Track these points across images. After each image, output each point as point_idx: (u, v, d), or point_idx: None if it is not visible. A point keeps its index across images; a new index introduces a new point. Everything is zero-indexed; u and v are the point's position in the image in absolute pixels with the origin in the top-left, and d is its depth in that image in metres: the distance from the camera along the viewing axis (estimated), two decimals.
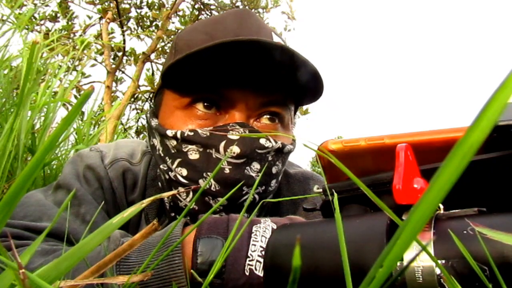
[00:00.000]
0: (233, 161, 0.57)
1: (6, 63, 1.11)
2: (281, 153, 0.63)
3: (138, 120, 3.96)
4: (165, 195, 0.31)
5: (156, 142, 0.64)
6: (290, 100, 0.65)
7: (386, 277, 0.15)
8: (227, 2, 4.50)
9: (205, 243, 0.43)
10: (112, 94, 3.81)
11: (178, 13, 4.43)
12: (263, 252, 0.41)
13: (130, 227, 0.66)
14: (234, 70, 0.59)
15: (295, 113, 0.71)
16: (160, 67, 4.43)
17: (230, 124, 0.59)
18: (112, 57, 4.02)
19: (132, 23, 4.23)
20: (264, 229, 0.44)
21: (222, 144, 0.57)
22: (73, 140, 1.40)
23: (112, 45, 3.79)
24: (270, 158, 0.61)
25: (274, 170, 0.63)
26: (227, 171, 0.57)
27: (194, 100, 0.61)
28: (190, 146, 0.59)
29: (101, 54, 3.81)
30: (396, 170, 0.33)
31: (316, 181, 0.76)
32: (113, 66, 3.81)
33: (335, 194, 0.29)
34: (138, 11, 4.31)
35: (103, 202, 0.62)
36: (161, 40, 4.07)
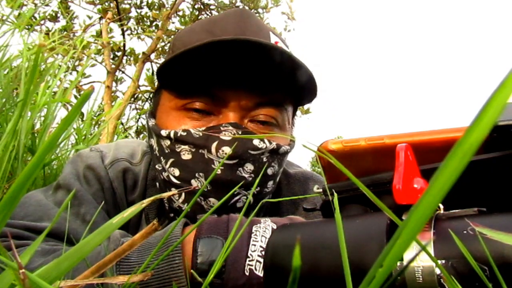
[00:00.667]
0: (226, 161, 0.57)
1: (6, 63, 1.11)
2: (277, 154, 0.63)
3: (138, 120, 3.96)
4: (165, 195, 0.31)
5: (153, 142, 0.65)
6: (287, 101, 0.65)
7: (386, 277, 0.15)
8: (227, 2, 4.50)
9: (205, 243, 0.43)
10: (112, 94, 3.81)
11: (178, 13, 4.43)
12: (263, 252, 0.41)
13: (130, 227, 0.66)
14: (227, 70, 0.59)
15: (294, 114, 0.71)
16: None
17: (223, 125, 0.59)
18: (112, 57, 4.02)
19: (132, 23, 4.23)
20: (264, 229, 0.44)
21: (214, 144, 0.57)
22: (73, 140, 1.41)
23: (112, 45, 3.80)
24: (264, 159, 0.61)
25: (269, 171, 0.62)
26: (219, 171, 0.58)
27: (189, 101, 0.62)
28: (183, 146, 0.60)
29: (101, 54, 3.81)
30: (396, 170, 0.33)
31: (316, 181, 0.76)
32: (113, 66, 3.81)
33: (335, 194, 0.29)
34: (138, 11, 4.31)
35: (103, 202, 0.62)
36: (161, 40, 4.07)
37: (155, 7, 4.35)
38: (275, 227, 0.44)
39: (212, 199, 0.59)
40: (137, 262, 0.44)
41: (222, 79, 0.60)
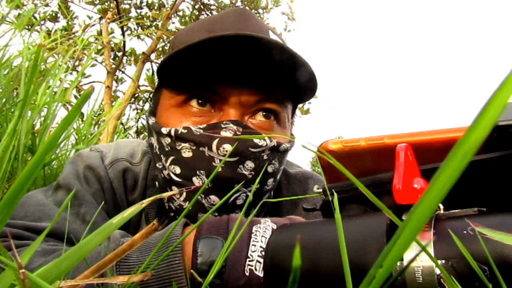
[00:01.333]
0: (227, 159, 0.57)
1: (6, 63, 1.11)
2: (277, 151, 0.63)
3: (138, 120, 3.96)
4: (165, 195, 0.31)
5: (153, 140, 0.64)
6: (287, 98, 0.65)
7: (386, 277, 0.15)
8: (227, 2, 4.50)
9: (205, 243, 0.43)
10: (112, 94, 3.81)
11: (178, 13, 4.43)
12: (263, 253, 0.41)
13: (130, 227, 0.66)
14: (227, 67, 0.59)
15: (293, 112, 0.71)
16: None
17: (224, 122, 0.59)
18: (112, 57, 4.02)
19: (132, 23, 4.23)
20: (264, 229, 0.44)
21: (215, 142, 0.57)
22: (73, 140, 1.40)
23: (112, 45, 3.80)
24: (265, 157, 0.61)
25: (270, 169, 0.62)
26: (219, 169, 0.57)
27: (189, 98, 0.61)
28: (183, 144, 0.59)
29: (101, 54, 3.81)
30: (396, 170, 0.33)
31: (316, 181, 0.76)
32: (113, 66, 3.81)
33: (335, 194, 0.29)
34: (138, 11, 4.31)
35: (103, 202, 0.62)
36: (161, 40, 4.07)
37: (155, 7, 4.35)
38: (275, 227, 0.44)
39: (212, 197, 0.59)
40: (137, 262, 0.44)
41: (223, 75, 0.60)
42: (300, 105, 0.73)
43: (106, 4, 3.86)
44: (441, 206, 0.33)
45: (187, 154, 0.59)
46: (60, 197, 0.62)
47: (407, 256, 0.29)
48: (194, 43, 0.56)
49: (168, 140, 0.61)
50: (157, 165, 0.64)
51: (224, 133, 0.57)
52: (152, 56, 4.21)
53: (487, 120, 0.12)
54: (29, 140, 1.03)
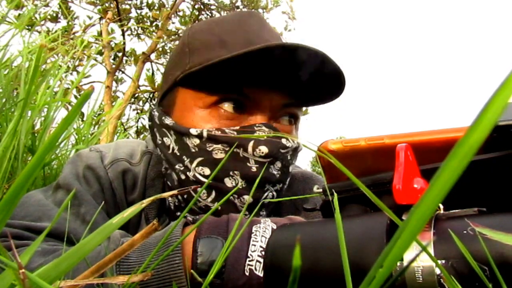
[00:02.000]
0: (260, 160, 0.59)
1: (6, 63, 1.11)
2: (296, 152, 0.65)
3: (138, 120, 3.96)
4: (165, 195, 0.31)
5: (169, 141, 0.64)
6: (303, 103, 0.67)
7: (386, 277, 0.15)
8: (227, 2, 4.50)
9: (205, 243, 0.43)
10: (112, 94, 3.81)
11: (178, 13, 4.43)
12: (263, 252, 0.41)
13: (130, 227, 0.66)
14: (261, 72, 0.60)
15: None
16: (160, 67, 4.44)
17: (257, 125, 0.60)
18: (112, 57, 4.02)
19: (132, 24, 4.23)
20: (264, 229, 0.44)
21: (251, 144, 0.58)
22: (73, 140, 1.40)
23: (112, 46, 3.80)
24: (288, 157, 0.63)
25: (290, 168, 0.65)
26: (254, 169, 0.59)
27: (220, 100, 0.61)
28: (215, 145, 0.60)
29: (101, 54, 3.81)
30: (396, 170, 0.33)
31: (316, 181, 0.76)
32: (113, 66, 3.81)
33: (335, 194, 0.29)
34: (138, 11, 4.32)
35: (103, 202, 0.62)
36: (161, 40, 4.07)
37: (155, 7, 4.35)
38: (275, 227, 0.44)
39: (245, 196, 0.60)
40: (137, 262, 0.44)
41: (254, 79, 0.60)
42: None
43: (106, 4, 3.87)
44: (441, 206, 0.33)
45: (219, 155, 0.60)
46: (60, 197, 0.62)
47: (407, 256, 0.29)
48: (236, 55, 0.56)
49: (196, 141, 0.60)
50: (176, 166, 0.63)
51: (257, 135, 0.59)
52: (152, 56, 4.21)
53: (487, 120, 0.12)
54: (29, 140, 1.03)
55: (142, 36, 4.17)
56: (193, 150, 0.61)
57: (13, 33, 1.11)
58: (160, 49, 4.29)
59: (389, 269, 0.14)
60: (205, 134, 0.60)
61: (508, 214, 0.29)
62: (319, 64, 0.59)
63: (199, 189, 0.61)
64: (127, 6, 4.12)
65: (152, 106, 0.71)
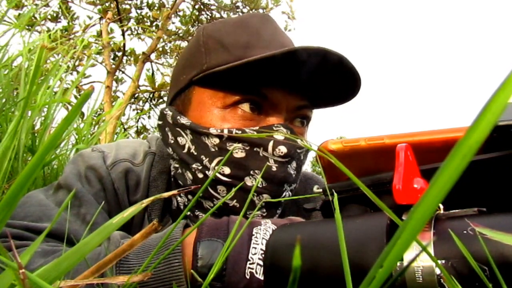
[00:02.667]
0: (279, 159, 0.60)
1: (7, 63, 1.11)
2: (307, 153, 0.67)
3: (138, 120, 3.96)
4: (165, 195, 0.31)
5: (185, 140, 0.64)
6: (314, 103, 0.68)
7: (386, 277, 0.15)
8: (227, 2, 4.50)
9: (205, 246, 0.43)
10: (112, 94, 3.81)
11: (178, 13, 4.43)
12: (263, 255, 0.41)
13: (133, 228, 0.66)
14: (279, 73, 0.61)
15: None
16: (160, 67, 4.44)
17: (275, 125, 0.61)
18: (112, 57, 4.02)
19: (132, 24, 4.24)
20: (265, 231, 0.43)
21: (271, 143, 0.60)
22: (73, 140, 1.40)
23: (112, 45, 3.80)
24: (302, 158, 0.65)
25: (302, 168, 0.67)
26: (274, 169, 0.60)
27: (239, 101, 0.62)
28: (235, 145, 0.61)
29: (101, 54, 3.81)
30: (396, 170, 0.33)
31: (317, 182, 0.78)
32: (113, 66, 3.81)
33: (335, 194, 0.29)
34: (139, 11, 4.32)
35: (103, 203, 0.62)
36: (161, 40, 4.07)
37: (155, 7, 4.35)
38: (275, 228, 0.44)
39: (265, 195, 0.61)
40: (137, 263, 0.44)
41: (273, 81, 0.62)
42: None
43: (106, 4, 3.87)
44: (441, 206, 0.33)
45: (239, 154, 0.60)
46: (61, 197, 0.62)
47: (407, 256, 0.29)
48: (268, 56, 0.57)
49: (216, 140, 0.61)
50: (194, 165, 0.63)
51: (276, 136, 0.60)
52: (152, 56, 4.21)
53: (487, 120, 0.12)
54: (29, 140, 1.03)
55: (142, 36, 4.18)
56: (213, 150, 0.62)
57: (13, 33, 1.11)
58: (160, 49, 4.29)
59: (389, 269, 0.14)
60: (226, 133, 0.60)
61: (508, 214, 0.29)
62: (337, 67, 0.60)
63: (223, 193, 0.62)
64: (127, 6, 4.12)
65: (152, 105, 0.71)
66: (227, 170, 0.61)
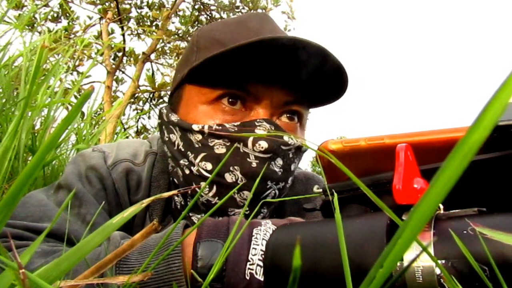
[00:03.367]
0: (260, 155, 0.59)
1: (7, 63, 1.11)
2: (299, 151, 0.65)
3: (138, 120, 3.96)
4: (165, 195, 0.31)
5: (175, 137, 0.64)
6: (308, 101, 0.67)
7: (386, 278, 0.15)
8: (226, 2, 4.50)
9: (205, 246, 0.43)
10: (112, 94, 3.81)
11: (178, 13, 4.43)
12: (263, 256, 0.41)
13: (134, 227, 0.66)
14: (262, 67, 0.60)
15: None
16: (160, 67, 4.44)
17: (257, 120, 0.60)
18: (112, 57, 4.02)
19: (132, 23, 4.24)
20: (265, 232, 0.43)
21: (251, 139, 0.59)
22: (73, 140, 1.40)
23: (112, 45, 3.80)
24: (290, 155, 0.63)
25: (292, 167, 0.64)
26: (254, 165, 0.59)
27: (221, 96, 0.62)
28: (216, 140, 0.60)
29: (101, 54, 3.81)
30: (396, 170, 0.33)
31: (318, 182, 0.77)
32: (113, 66, 3.81)
33: (335, 194, 0.29)
34: (139, 11, 4.32)
35: (103, 203, 0.62)
36: (161, 40, 4.07)
37: (155, 7, 4.35)
38: (275, 229, 0.44)
39: (246, 192, 0.59)
40: (137, 263, 0.44)
41: (257, 75, 0.61)
42: None
43: (107, 4, 3.87)
44: (441, 206, 0.33)
45: (220, 150, 0.60)
46: (61, 197, 0.62)
47: (408, 256, 0.29)
48: (237, 46, 0.56)
49: (199, 136, 0.61)
50: (181, 161, 0.63)
51: (258, 131, 0.59)
52: (152, 56, 4.21)
53: (487, 120, 0.12)
54: (29, 140, 1.03)
55: (142, 36, 4.18)
56: (197, 146, 0.62)
57: (13, 33, 1.11)
58: (160, 49, 4.29)
59: (389, 269, 0.14)
60: (206, 129, 0.60)
61: (508, 214, 0.29)
62: (321, 59, 0.59)
63: (201, 188, 0.62)
64: (127, 6, 4.12)
65: (152, 105, 0.71)
66: (209, 166, 0.61)
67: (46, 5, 3.34)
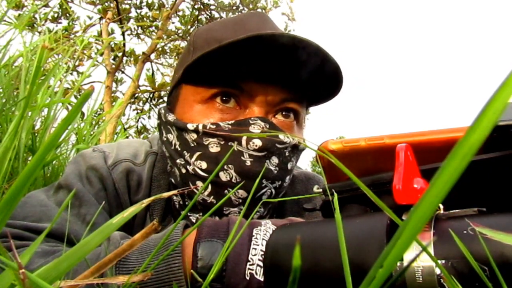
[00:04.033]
0: (254, 154, 0.58)
1: (8, 63, 1.11)
2: (297, 149, 0.64)
3: (138, 120, 3.96)
4: (165, 195, 0.31)
5: (172, 137, 0.64)
6: (305, 99, 0.67)
7: (386, 277, 0.15)
8: (226, 2, 4.50)
9: (205, 247, 0.43)
10: (112, 95, 3.81)
11: (178, 13, 4.43)
12: (263, 256, 0.41)
13: (135, 227, 0.66)
14: (256, 65, 0.60)
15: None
16: (160, 67, 4.44)
17: (252, 118, 0.60)
18: (112, 57, 4.02)
19: (132, 23, 4.23)
20: (265, 232, 0.43)
21: (245, 137, 0.58)
22: (73, 140, 1.40)
23: (112, 46, 3.80)
24: (287, 154, 0.62)
25: (289, 166, 0.64)
26: (248, 163, 0.58)
27: (215, 94, 0.62)
28: (211, 139, 0.60)
29: (101, 54, 3.81)
30: (396, 170, 0.33)
31: (319, 182, 0.77)
32: (113, 66, 3.81)
33: (335, 194, 0.29)
34: (138, 11, 4.32)
35: (103, 203, 0.62)
36: (161, 40, 4.07)
37: (155, 7, 4.35)
38: (275, 229, 0.44)
39: (241, 191, 0.59)
40: (137, 263, 0.44)
41: (251, 73, 0.61)
42: None
43: (106, 4, 3.87)
44: (441, 206, 0.33)
45: (215, 149, 0.60)
46: (62, 197, 0.62)
47: (407, 256, 0.29)
48: (232, 41, 0.56)
49: (194, 136, 0.61)
50: (178, 161, 0.63)
51: (252, 129, 0.59)
52: (152, 56, 4.21)
53: (487, 120, 0.12)
54: (29, 140, 1.03)
55: (142, 36, 4.18)
56: (192, 145, 0.62)
57: (13, 33, 1.11)
58: (160, 49, 4.29)
59: (389, 269, 0.14)
60: (200, 128, 0.60)
61: (508, 214, 0.29)
62: (316, 57, 0.59)
63: (199, 188, 0.61)
64: (127, 6, 4.12)
65: (152, 105, 0.72)
66: (204, 165, 0.61)
67: (46, 5, 3.34)
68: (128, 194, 0.66)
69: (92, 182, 0.64)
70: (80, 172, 0.64)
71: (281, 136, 0.60)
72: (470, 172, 0.18)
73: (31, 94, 0.81)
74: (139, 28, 4.22)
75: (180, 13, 4.47)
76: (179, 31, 4.41)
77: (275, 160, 0.60)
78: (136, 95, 4.16)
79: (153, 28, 4.24)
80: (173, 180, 0.67)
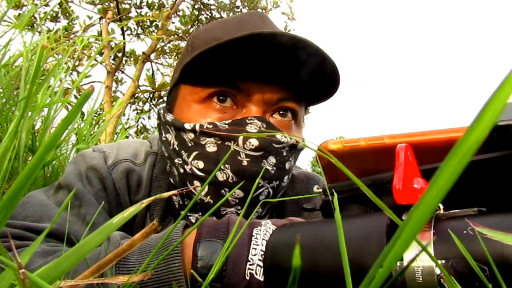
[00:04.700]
0: (251, 153, 0.58)
1: (8, 62, 1.11)
2: (295, 149, 0.64)
3: (138, 120, 3.96)
4: (165, 195, 0.31)
5: (171, 137, 0.65)
6: (304, 98, 0.66)
7: (386, 277, 0.15)
8: (227, 2, 4.50)
9: (205, 247, 0.43)
10: (112, 94, 3.81)
11: (178, 13, 4.43)
12: (263, 256, 0.41)
13: (135, 227, 0.66)
14: (253, 64, 0.60)
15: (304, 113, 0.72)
16: (160, 67, 4.44)
17: (249, 118, 0.60)
18: (112, 57, 4.02)
19: (132, 23, 4.23)
20: (265, 232, 0.43)
21: (241, 136, 0.58)
22: (73, 140, 1.40)
23: (112, 46, 3.79)
24: (284, 154, 0.62)
25: (287, 165, 0.64)
26: (245, 163, 0.58)
27: (212, 94, 0.62)
28: (208, 139, 0.60)
29: (101, 54, 3.81)
30: (396, 170, 0.33)
31: (319, 182, 0.77)
32: (113, 66, 3.81)
33: (335, 194, 0.29)
34: (138, 11, 4.31)
35: (103, 203, 0.62)
36: (161, 40, 4.07)
37: (155, 7, 4.35)
38: (275, 229, 0.44)
39: (237, 191, 0.59)
40: (137, 263, 0.44)
41: (248, 72, 0.61)
42: None
43: (106, 4, 3.87)
44: (441, 206, 0.33)
45: (211, 148, 0.60)
46: (62, 197, 0.62)
47: (407, 256, 0.29)
48: (230, 40, 0.56)
49: (191, 135, 0.61)
50: (176, 160, 0.64)
51: (249, 129, 0.59)
52: (152, 56, 4.21)
53: (487, 120, 0.12)
54: (29, 140, 1.03)
55: (142, 36, 4.18)
56: (189, 145, 0.62)
57: (13, 32, 1.11)
58: (160, 49, 4.29)
59: (389, 269, 0.14)
60: (197, 128, 0.60)
61: (508, 214, 0.29)
62: (313, 56, 0.59)
63: (198, 188, 0.61)
64: (127, 6, 4.12)
65: (152, 105, 0.72)
66: (201, 165, 0.61)
67: (46, 5, 3.34)
68: (128, 194, 0.66)
69: (92, 182, 0.64)
70: (80, 172, 0.64)
71: (278, 136, 0.60)
72: (470, 172, 0.18)
73: (31, 94, 0.81)
74: (139, 28, 4.22)
75: (180, 13, 4.47)
76: (179, 31, 4.41)
77: (272, 159, 0.60)
78: (136, 95, 4.16)
79: (153, 28, 4.24)
80: (172, 180, 0.67)
